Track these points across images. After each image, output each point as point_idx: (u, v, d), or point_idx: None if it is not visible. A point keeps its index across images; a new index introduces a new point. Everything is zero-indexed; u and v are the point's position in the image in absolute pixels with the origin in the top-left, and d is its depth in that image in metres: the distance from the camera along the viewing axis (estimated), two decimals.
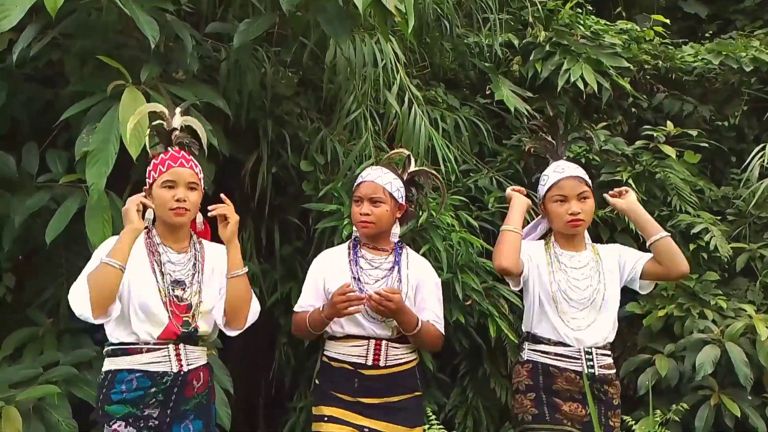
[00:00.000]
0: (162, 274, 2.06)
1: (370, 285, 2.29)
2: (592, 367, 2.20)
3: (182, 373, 2.04)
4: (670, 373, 3.38)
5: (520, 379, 2.26)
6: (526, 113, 3.98)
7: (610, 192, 2.41)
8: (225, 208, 2.08)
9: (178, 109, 2.17)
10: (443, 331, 2.39)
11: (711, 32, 5.30)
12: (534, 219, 2.54)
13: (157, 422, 2.00)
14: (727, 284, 3.80)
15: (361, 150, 3.25)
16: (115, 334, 2.05)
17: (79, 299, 1.97)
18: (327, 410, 2.27)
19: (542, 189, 2.32)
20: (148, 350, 2.02)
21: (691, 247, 3.82)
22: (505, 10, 4.32)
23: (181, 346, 2.05)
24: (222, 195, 2.14)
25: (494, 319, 3.38)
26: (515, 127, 4.10)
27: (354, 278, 2.29)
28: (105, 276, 1.94)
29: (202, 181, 2.13)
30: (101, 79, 2.68)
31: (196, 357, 2.10)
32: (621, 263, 2.35)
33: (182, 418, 2.04)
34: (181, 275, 2.08)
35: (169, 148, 2.10)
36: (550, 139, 2.43)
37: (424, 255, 2.99)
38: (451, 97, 4.03)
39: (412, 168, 2.43)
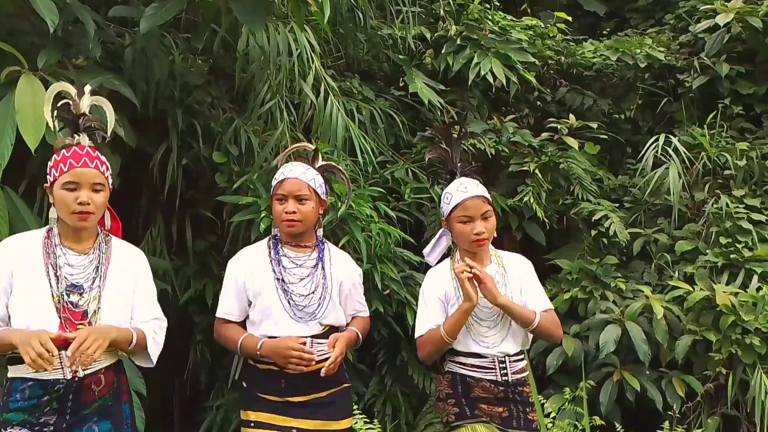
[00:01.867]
0: (57, 278, 1.92)
1: (295, 284, 2.24)
2: (506, 374, 2.27)
3: (76, 379, 1.91)
4: (576, 352, 3.56)
5: (441, 388, 2.34)
6: (439, 105, 4.06)
7: (460, 268, 2.26)
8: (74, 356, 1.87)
9: (87, 88, 2.01)
10: (368, 313, 2.45)
11: (609, 29, 5.62)
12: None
13: (53, 428, 1.90)
14: (626, 267, 4.04)
15: (277, 141, 3.19)
16: None
17: None
18: (253, 415, 2.22)
19: (446, 207, 2.33)
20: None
21: (593, 233, 4.05)
22: (417, 3, 4.37)
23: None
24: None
25: (412, 307, 3.43)
26: (429, 120, 4.17)
27: (277, 279, 2.23)
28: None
29: (109, 178, 1.99)
30: None
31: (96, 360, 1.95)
32: (521, 287, 2.35)
33: (83, 421, 1.93)
34: (79, 279, 1.94)
35: (73, 145, 1.94)
36: (444, 147, 2.45)
37: (343, 247, 2.99)
38: (366, 88, 4.04)
39: (320, 162, 2.40)
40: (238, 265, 2.30)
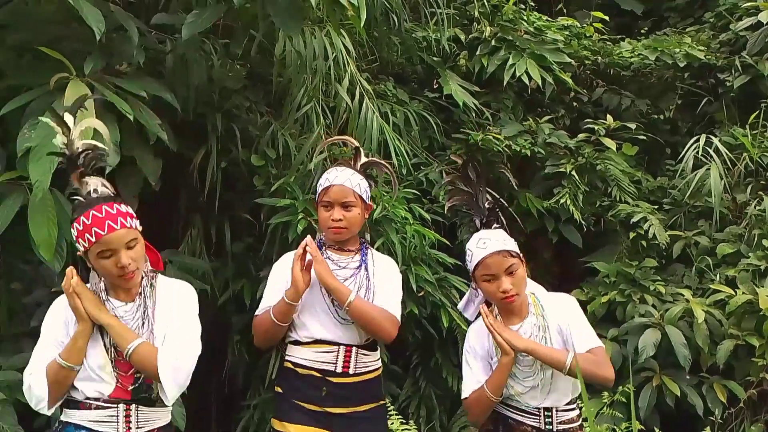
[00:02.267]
0: (107, 331, 1.89)
1: None
2: (551, 424, 2.14)
3: None
4: (614, 356, 3.51)
5: (483, 425, 2.24)
6: (474, 107, 4.05)
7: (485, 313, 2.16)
8: (72, 284, 1.87)
9: (69, 118, 1.90)
10: (396, 316, 2.29)
11: (646, 29, 5.52)
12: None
13: None
14: (665, 270, 3.97)
15: (313, 144, 3.23)
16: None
17: (38, 393, 1.87)
18: (292, 428, 2.19)
19: (469, 265, 2.18)
20: (97, 407, 1.89)
21: (631, 235, 3.98)
22: (451, 5, 4.37)
23: (133, 407, 1.90)
24: None
25: (446, 310, 3.44)
26: (463, 121, 4.16)
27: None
28: (64, 377, 1.86)
29: (138, 225, 1.89)
30: (40, 73, 2.56)
31: (151, 419, 1.93)
32: (565, 333, 2.17)
33: None
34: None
35: (90, 209, 1.83)
36: (467, 189, 2.29)
37: (379, 249, 3.01)
38: (400, 91, 4.06)
39: (363, 160, 2.37)
40: (283, 267, 2.31)
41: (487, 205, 2.26)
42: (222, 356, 3.55)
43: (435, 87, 4.27)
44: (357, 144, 2.45)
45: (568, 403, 2.17)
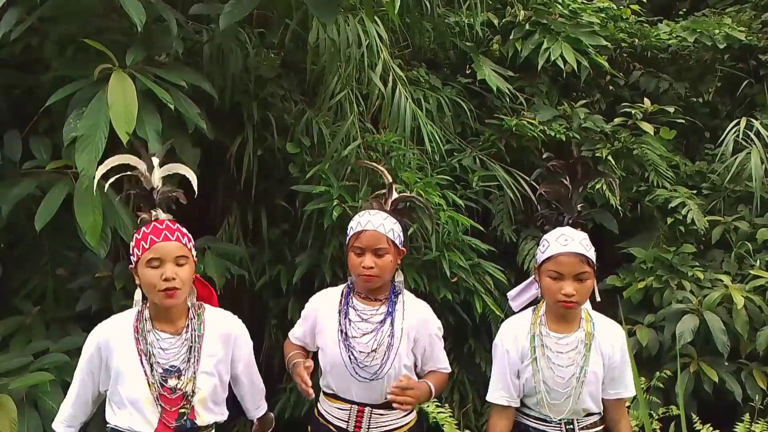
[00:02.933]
0: (151, 365, 1.86)
1: (357, 339, 2.12)
2: (572, 430, 2.10)
3: None
4: (651, 342, 3.49)
5: None
6: (507, 92, 4.02)
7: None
8: None
9: (155, 161, 1.93)
10: (449, 369, 2.26)
11: (684, 10, 5.39)
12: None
13: None
14: (704, 256, 3.91)
15: (347, 131, 3.26)
16: (111, 416, 1.92)
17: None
18: None
19: (540, 256, 2.09)
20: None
21: (669, 220, 3.93)
22: None
23: None
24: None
25: (480, 296, 3.45)
26: (497, 107, 4.14)
27: (341, 331, 2.13)
28: None
29: (193, 251, 1.91)
30: (83, 64, 2.63)
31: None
32: (608, 365, 2.10)
33: None
34: (175, 362, 1.87)
35: (152, 221, 1.88)
36: (566, 183, 2.19)
37: (412, 235, 3.03)
38: (432, 77, 4.05)
39: (394, 195, 2.25)
40: (316, 303, 2.25)
41: (579, 208, 2.19)
42: (259, 340, 3.63)
43: (468, 72, 4.25)
44: (390, 179, 2.35)
45: (587, 415, 2.12)
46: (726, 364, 3.42)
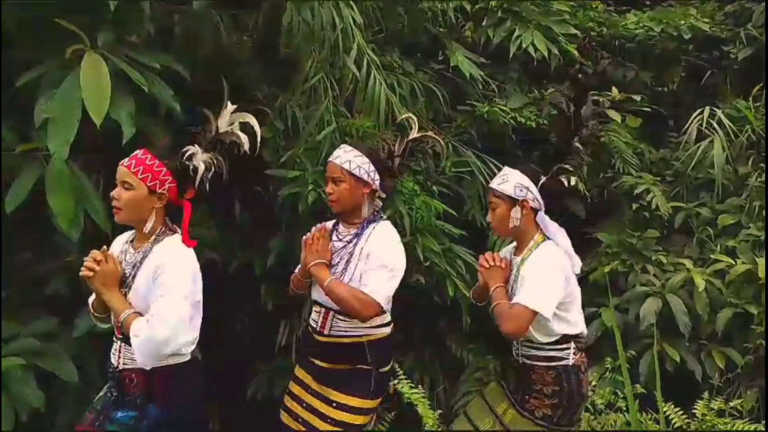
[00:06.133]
0: (124, 273, 2.09)
1: (332, 254, 2.46)
2: (518, 355, 2.48)
3: (118, 369, 2.10)
4: (616, 324, 3.59)
5: None
6: (480, 79, 4.05)
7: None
8: (87, 264, 2.04)
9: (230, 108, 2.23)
10: (372, 297, 2.32)
11: (651, 0, 5.50)
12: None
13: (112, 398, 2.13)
14: (667, 241, 4.04)
15: (322, 115, 3.25)
16: None
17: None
18: (296, 369, 2.58)
19: None
20: (114, 339, 2.15)
21: (634, 206, 4.04)
22: None
23: (122, 343, 2.09)
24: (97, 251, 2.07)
25: (452, 279, 3.50)
26: (469, 93, 4.17)
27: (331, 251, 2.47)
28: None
29: (146, 180, 2.03)
30: (52, 45, 2.56)
31: (131, 358, 2.05)
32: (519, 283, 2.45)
33: (122, 407, 2.09)
34: (127, 275, 2.08)
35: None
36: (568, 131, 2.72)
37: (388, 218, 3.05)
38: (406, 62, 4.05)
39: (413, 134, 2.55)
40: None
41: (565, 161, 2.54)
42: (230, 326, 3.62)
43: (441, 59, 4.27)
44: (410, 115, 2.65)
45: (529, 339, 2.42)
46: (687, 344, 3.55)
